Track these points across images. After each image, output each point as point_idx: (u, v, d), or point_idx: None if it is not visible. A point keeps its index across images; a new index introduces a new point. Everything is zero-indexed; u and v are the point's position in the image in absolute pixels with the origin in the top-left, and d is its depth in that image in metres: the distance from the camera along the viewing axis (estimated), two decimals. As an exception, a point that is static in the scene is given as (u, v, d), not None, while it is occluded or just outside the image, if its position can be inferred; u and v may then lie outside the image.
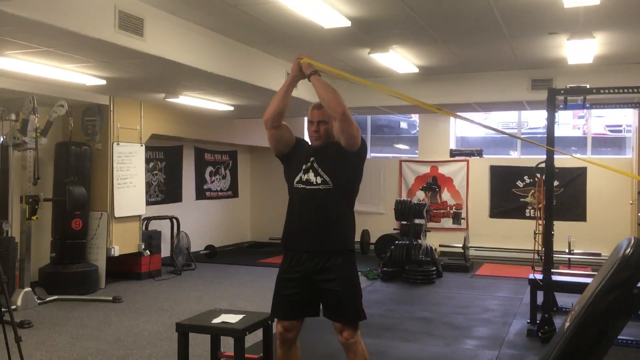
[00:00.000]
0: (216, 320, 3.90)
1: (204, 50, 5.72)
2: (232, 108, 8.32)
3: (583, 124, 13.32)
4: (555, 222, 10.03)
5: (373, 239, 10.85)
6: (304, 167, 3.33)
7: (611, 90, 5.34)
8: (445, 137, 10.84)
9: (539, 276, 5.60)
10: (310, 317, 3.40)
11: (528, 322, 5.90)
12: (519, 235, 10.21)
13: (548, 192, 5.44)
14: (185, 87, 6.81)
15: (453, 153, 10.73)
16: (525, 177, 10.27)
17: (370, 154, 11.93)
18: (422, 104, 3.22)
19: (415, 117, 13.47)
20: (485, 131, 11.68)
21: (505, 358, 4.77)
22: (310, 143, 3.43)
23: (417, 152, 11.25)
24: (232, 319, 3.93)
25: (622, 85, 5.48)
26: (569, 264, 8.93)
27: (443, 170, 10.74)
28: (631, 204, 9.36)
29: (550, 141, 5.44)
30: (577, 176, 9.97)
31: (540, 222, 6.92)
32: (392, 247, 8.59)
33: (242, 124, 10.44)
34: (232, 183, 11.49)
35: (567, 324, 1.78)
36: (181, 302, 6.75)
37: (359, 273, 8.40)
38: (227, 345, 4.43)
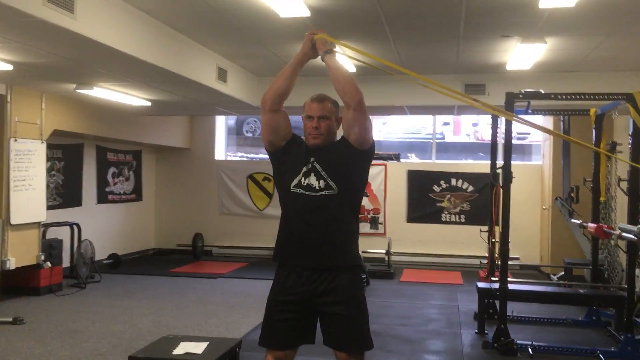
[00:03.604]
0: (178, 352, 3.31)
1: (138, 35, 4.99)
2: (149, 103, 7.53)
3: (474, 131, 13.84)
4: (470, 226, 10.23)
5: (289, 245, 10.42)
6: (304, 169, 2.83)
7: (566, 97, 5.32)
8: (362, 141, 10.62)
9: (495, 285, 5.44)
10: (305, 344, 2.90)
11: (476, 332, 5.74)
12: (435, 240, 10.24)
13: (505, 198, 5.27)
14: (104, 77, 6.00)
15: (371, 157, 10.52)
16: (442, 182, 10.30)
17: (284, 157, 11.51)
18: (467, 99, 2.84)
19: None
20: (401, 135, 11.65)
21: (473, 374, 4.54)
22: (307, 141, 2.93)
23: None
24: (195, 348, 3.36)
25: (570, 92, 5.50)
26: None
27: (361, 174, 10.50)
28: (544, 209, 9.64)
29: (508, 145, 5.30)
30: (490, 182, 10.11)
31: (485, 228, 6.86)
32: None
33: (148, 121, 9.60)
34: (136, 185, 10.55)
35: None
36: (96, 322, 5.92)
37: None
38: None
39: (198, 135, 11.17)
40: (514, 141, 5.23)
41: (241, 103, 7.57)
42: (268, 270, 9.40)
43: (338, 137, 2.95)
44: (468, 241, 9.99)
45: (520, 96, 5.26)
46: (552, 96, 5.24)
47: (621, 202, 7.15)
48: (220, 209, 10.96)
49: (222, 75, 6.68)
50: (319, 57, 2.84)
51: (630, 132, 5.05)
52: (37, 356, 4.77)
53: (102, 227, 9.40)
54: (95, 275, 8.17)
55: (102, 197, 9.57)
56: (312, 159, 2.84)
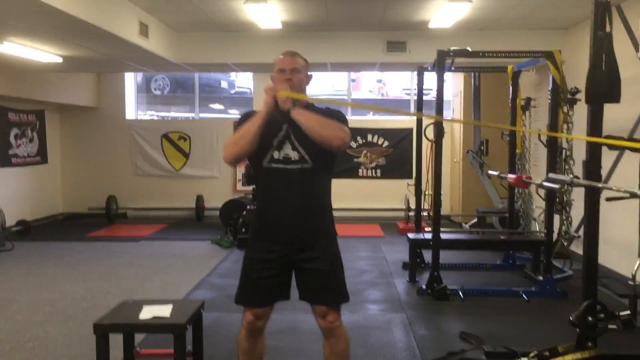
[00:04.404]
0: (145, 316, 3.23)
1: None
2: (60, 60, 7.06)
3: (380, 87, 14.20)
4: (385, 180, 10.59)
5: (208, 205, 10.32)
6: (275, 141, 2.80)
7: (492, 54, 5.57)
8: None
9: (427, 235, 5.73)
10: (282, 301, 2.96)
11: (408, 281, 6.03)
12: (353, 194, 10.48)
13: (438, 153, 5.51)
14: (16, 31, 5.54)
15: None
16: (359, 138, 10.52)
17: (199, 115, 11.26)
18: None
19: (234, 76, 12.97)
20: (310, 92, 11.69)
21: (414, 320, 4.76)
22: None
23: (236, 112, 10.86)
24: (161, 311, 3.30)
25: (491, 49, 5.77)
26: (408, 220, 9.33)
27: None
28: (455, 162, 10.13)
29: (440, 102, 5.51)
30: (405, 136, 10.47)
31: (411, 183, 7.11)
32: (245, 212, 8.19)
33: (52, 78, 9.02)
34: (40, 147, 9.94)
35: None
36: (22, 291, 5.63)
37: (209, 242, 7.92)
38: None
39: (106, 93, 10.64)
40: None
41: (162, 60, 7.28)
42: (190, 230, 9.31)
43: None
44: (384, 194, 10.37)
45: (451, 54, 5.44)
46: (481, 54, 5.47)
47: (533, 153, 7.69)
48: (134, 170, 10.60)
49: (143, 30, 6.38)
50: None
51: (550, 88, 5.40)
52: (-33, 331, 4.49)
53: (8, 192, 8.83)
54: (5, 244, 7.71)
55: (6, 160, 8.95)
56: (285, 126, 2.82)
